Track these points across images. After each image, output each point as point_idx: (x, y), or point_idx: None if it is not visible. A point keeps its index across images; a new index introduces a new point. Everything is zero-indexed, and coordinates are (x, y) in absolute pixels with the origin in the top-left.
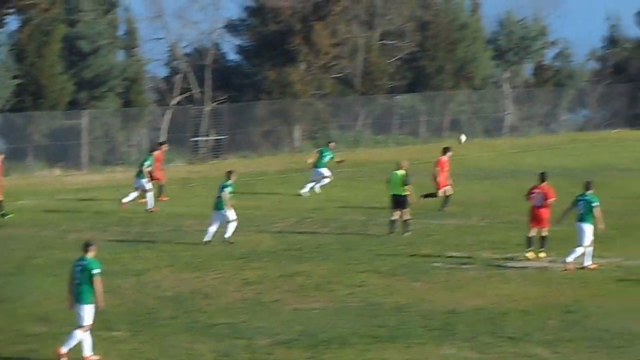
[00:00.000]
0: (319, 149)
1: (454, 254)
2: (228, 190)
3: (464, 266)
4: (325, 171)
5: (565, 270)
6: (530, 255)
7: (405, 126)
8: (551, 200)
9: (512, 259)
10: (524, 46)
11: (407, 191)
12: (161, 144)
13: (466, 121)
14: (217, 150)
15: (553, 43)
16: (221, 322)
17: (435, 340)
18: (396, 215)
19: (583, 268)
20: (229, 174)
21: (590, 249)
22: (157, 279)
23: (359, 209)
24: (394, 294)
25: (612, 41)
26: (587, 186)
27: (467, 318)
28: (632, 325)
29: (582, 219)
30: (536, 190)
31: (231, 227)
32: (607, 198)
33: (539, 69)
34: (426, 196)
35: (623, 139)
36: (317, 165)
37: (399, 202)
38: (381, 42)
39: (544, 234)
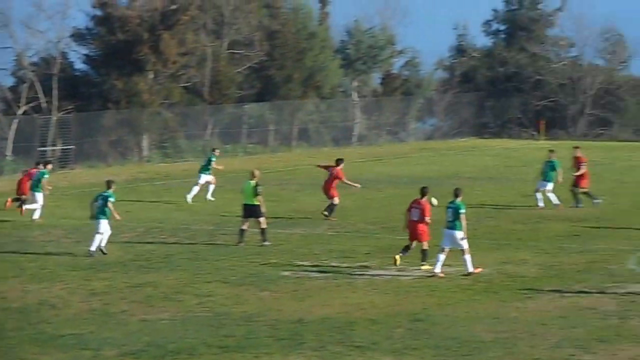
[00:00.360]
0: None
1: (302, 263)
2: (112, 200)
3: (313, 275)
4: (207, 177)
5: (434, 276)
6: (424, 268)
7: (254, 135)
8: (428, 217)
9: (366, 267)
10: (372, 55)
11: (258, 201)
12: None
13: (315, 130)
14: (64, 160)
15: (401, 52)
16: (68, 333)
17: (284, 350)
18: (246, 225)
19: (469, 274)
20: (109, 183)
21: (468, 257)
22: (3, 290)
23: (208, 218)
24: (242, 303)
25: (460, 50)
26: (456, 193)
27: (315, 327)
28: (479, 333)
29: (451, 226)
30: (415, 205)
31: (99, 238)
32: None
33: (387, 78)
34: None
35: (471, 148)
36: (201, 171)
37: (250, 211)
38: (229, 51)
39: (424, 247)
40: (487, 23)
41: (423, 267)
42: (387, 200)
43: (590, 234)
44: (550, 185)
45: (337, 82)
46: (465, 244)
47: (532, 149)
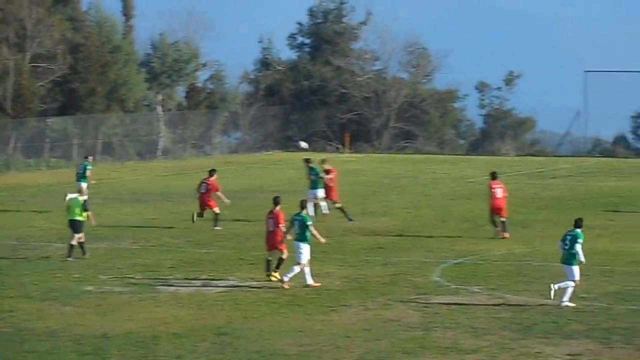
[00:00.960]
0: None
1: (106, 277)
2: None
3: (116, 290)
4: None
5: (282, 286)
6: (274, 277)
7: (57, 149)
8: (282, 225)
9: (170, 280)
10: (177, 69)
11: (84, 217)
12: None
13: (119, 144)
14: None
15: (204, 65)
16: None
17: None
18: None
19: (307, 286)
20: None
21: (307, 269)
22: None
23: (10, 233)
24: (45, 318)
25: (265, 64)
26: (302, 205)
27: (119, 342)
28: (284, 346)
29: (299, 238)
30: (269, 216)
31: None
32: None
33: (192, 92)
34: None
35: (276, 161)
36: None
37: (75, 226)
38: (32, 64)
39: (284, 256)
40: (292, 36)
41: (273, 275)
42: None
43: (395, 247)
44: (320, 192)
45: (142, 96)
46: (303, 259)
47: (337, 162)
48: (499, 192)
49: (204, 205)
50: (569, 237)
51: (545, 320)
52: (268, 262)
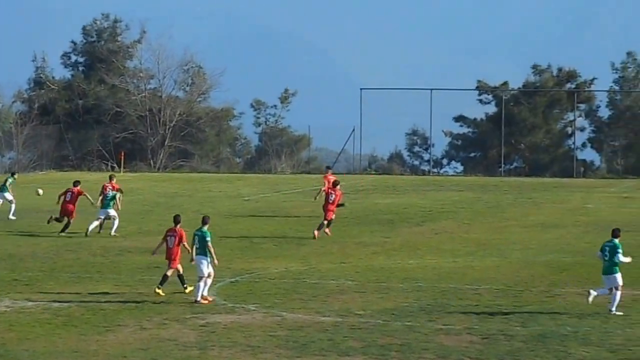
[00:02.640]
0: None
1: None
2: None
3: None
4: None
5: (200, 302)
6: (160, 291)
7: None
8: (184, 242)
9: None
10: None
11: None
12: None
13: None
14: None
15: None
16: None
17: None
18: None
19: (197, 302)
20: None
21: (210, 281)
22: None
23: None
24: None
25: (38, 82)
26: (204, 221)
27: None
28: None
29: (200, 252)
30: (170, 233)
31: None
32: (39, 236)
33: None
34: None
35: (51, 180)
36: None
37: None
38: None
39: (169, 273)
40: (66, 55)
41: (158, 291)
42: None
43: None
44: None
45: None
46: (211, 271)
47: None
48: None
49: (64, 212)
50: (607, 248)
51: (322, 337)
52: (165, 276)
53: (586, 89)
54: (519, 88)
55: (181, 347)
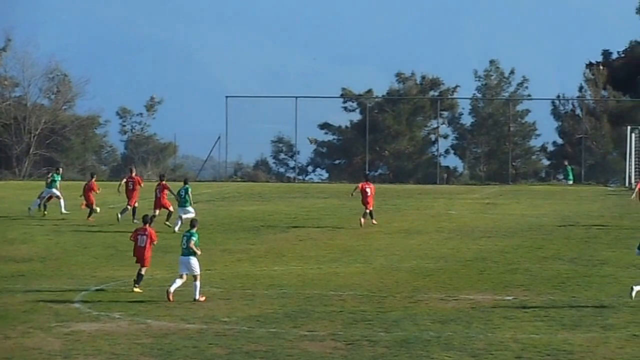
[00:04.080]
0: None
1: None
2: None
3: None
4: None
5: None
6: (137, 290)
7: None
8: (155, 241)
9: None
10: None
11: None
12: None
13: None
14: None
15: None
16: None
17: None
18: None
19: (195, 301)
20: None
21: (199, 284)
22: None
23: None
24: None
25: None
26: (192, 224)
27: None
28: None
29: (186, 253)
30: (140, 232)
31: None
32: None
33: None
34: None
35: None
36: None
37: None
38: None
39: (143, 272)
40: None
41: (136, 290)
42: None
43: (36, 274)
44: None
45: None
46: (198, 269)
47: None
48: (369, 191)
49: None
50: None
51: (187, 345)
52: (139, 275)
53: (449, 97)
54: (383, 96)
55: (46, 355)
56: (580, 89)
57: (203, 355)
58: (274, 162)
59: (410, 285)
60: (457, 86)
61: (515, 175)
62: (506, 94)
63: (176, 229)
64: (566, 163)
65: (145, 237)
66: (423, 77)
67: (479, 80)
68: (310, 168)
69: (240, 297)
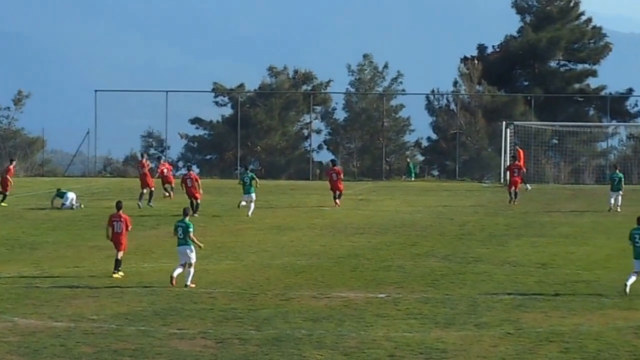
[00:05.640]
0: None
1: None
2: None
3: None
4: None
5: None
6: (116, 276)
7: None
8: (130, 227)
9: None
10: None
11: None
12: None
13: None
14: None
15: None
16: None
17: None
18: None
19: (186, 286)
20: None
21: (192, 270)
22: None
23: None
24: None
25: None
26: (185, 212)
27: None
28: None
29: (182, 243)
30: (115, 218)
31: None
32: None
33: None
34: None
35: None
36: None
37: None
38: None
39: (120, 257)
40: None
41: (115, 275)
42: None
43: None
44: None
45: None
46: (194, 258)
47: None
48: (334, 176)
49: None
50: (637, 235)
51: (54, 343)
52: (117, 261)
53: (322, 91)
54: (255, 90)
55: None
56: (455, 83)
57: (71, 353)
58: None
59: (282, 282)
60: (330, 80)
61: (389, 171)
62: (380, 89)
63: (249, 213)
64: (408, 160)
65: (120, 223)
66: (296, 72)
67: (352, 74)
68: (180, 163)
69: (108, 295)
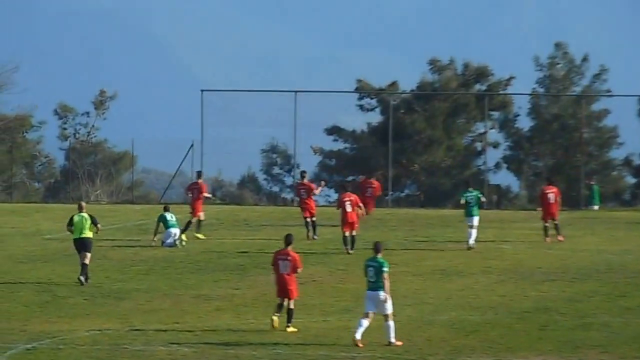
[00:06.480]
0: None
1: None
2: None
3: None
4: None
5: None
6: (292, 330)
7: None
8: (300, 269)
9: None
10: None
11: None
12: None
13: None
14: None
15: None
16: None
17: None
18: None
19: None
20: None
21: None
22: None
23: None
24: None
25: None
26: (377, 248)
27: None
28: None
29: (374, 287)
30: (281, 257)
31: None
32: None
33: None
34: None
35: None
36: None
37: (84, 245)
38: None
39: (292, 306)
40: None
41: (290, 330)
42: None
43: None
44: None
45: None
46: (390, 308)
47: None
48: (552, 197)
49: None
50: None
51: None
52: (279, 306)
53: (501, 91)
54: (412, 90)
55: None
56: None
57: None
58: (265, 179)
59: (448, 344)
60: (511, 78)
61: (589, 197)
62: (578, 89)
63: (470, 241)
64: (592, 183)
65: (288, 262)
66: (466, 66)
67: (540, 70)
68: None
69: None
